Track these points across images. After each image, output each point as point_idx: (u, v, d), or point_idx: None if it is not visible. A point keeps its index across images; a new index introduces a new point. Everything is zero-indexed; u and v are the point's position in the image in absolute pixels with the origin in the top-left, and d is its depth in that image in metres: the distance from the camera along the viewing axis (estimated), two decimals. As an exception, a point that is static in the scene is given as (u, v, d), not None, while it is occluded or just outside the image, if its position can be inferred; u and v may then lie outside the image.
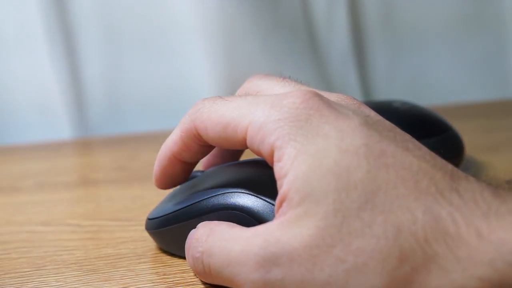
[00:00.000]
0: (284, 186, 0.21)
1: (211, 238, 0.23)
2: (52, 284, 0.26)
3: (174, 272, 0.26)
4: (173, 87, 0.59)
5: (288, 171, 0.21)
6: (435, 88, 0.63)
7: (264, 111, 0.22)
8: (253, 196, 0.25)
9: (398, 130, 0.22)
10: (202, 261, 0.23)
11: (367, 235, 0.19)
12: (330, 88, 0.59)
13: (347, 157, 0.20)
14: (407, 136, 0.22)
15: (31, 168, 0.47)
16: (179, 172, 0.27)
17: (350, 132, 0.21)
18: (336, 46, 0.60)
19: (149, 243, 0.29)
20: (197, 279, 0.25)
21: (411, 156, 0.21)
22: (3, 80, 0.57)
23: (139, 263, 0.27)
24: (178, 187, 0.30)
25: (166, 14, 0.57)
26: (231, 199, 0.25)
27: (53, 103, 0.57)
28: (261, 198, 0.24)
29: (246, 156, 0.38)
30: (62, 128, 0.58)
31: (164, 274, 0.26)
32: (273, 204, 0.24)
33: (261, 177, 0.25)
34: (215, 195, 0.26)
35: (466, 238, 0.19)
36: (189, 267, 0.26)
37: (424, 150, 0.21)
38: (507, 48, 0.62)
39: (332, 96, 0.24)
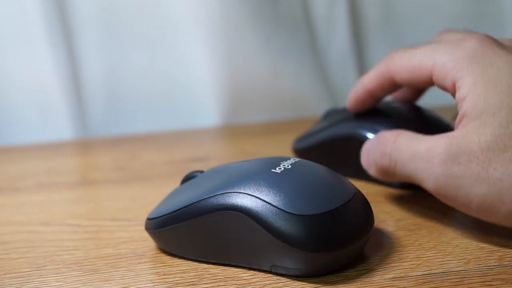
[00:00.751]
0: (464, 106, 0.26)
1: (399, 139, 0.28)
2: (52, 284, 0.26)
3: (174, 272, 0.26)
4: (173, 87, 0.59)
5: (467, 94, 0.26)
6: (435, 88, 0.63)
7: (446, 52, 0.27)
8: (252, 197, 0.25)
9: None
10: (389, 155, 0.28)
11: None
12: (330, 88, 0.59)
13: None
14: None
15: (31, 168, 0.47)
16: (368, 103, 0.34)
17: None
18: (336, 46, 0.59)
19: (149, 243, 0.29)
20: (197, 279, 0.25)
21: None
22: (3, 80, 0.57)
23: (139, 263, 0.27)
24: (178, 187, 0.30)
25: (167, 14, 0.57)
26: (231, 199, 0.25)
27: (53, 103, 0.57)
28: (261, 199, 0.24)
29: (248, 156, 0.38)
30: (62, 128, 0.58)
31: (164, 274, 0.26)
32: (272, 205, 0.24)
33: (261, 177, 0.25)
34: (215, 195, 0.26)
35: None
36: (189, 267, 0.26)
37: None
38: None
39: (506, 41, 0.28)
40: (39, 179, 0.43)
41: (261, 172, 0.26)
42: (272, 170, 0.26)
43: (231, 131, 0.57)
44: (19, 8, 0.55)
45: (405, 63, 0.29)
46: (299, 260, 0.24)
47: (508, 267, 0.24)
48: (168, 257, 0.28)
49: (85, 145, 0.56)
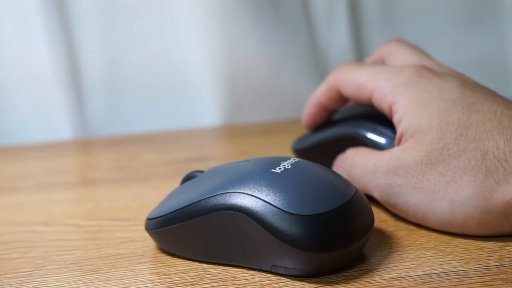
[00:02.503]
0: (401, 127, 0.29)
1: (356, 156, 0.31)
2: (52, 284, 0.26)
3: (174, 272, 0.26)
4: (173, 87, 0.59)
5: (403, 117, 0.29)
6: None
7: (386, 78, 0.30)
8: (252, 197, 0.25)
9: (489, 90, 0.29)
10: (348, 171, 0.31)
11: (462, 157, 0.26)
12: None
13: (446, 104, 0.28)
14: (497, 94, 0.29)
15: (31, 168, 0.47)
16: (321, 116, 0.36)
17: (449, 90, 0.28)
18: (336, 46, 0.59)
19: (149, 243, 0.29)
20: (197, 279, 0.25)
21: (496, 105, 0.28)
22: (3, 80, 0.57)
23: (139, 263, 0.27)
24: (178, 187, 0.30)
25: (167, 13, 0.57)
26: (231, 199, 0.25)
27: (53, 103, 0.57)
28: (261, 199, 0.24)
29: (248, 156, 0.38)
30: (62, 128, 0.58)
31: (164, 274, 0.26)
32: (272, 205, 0.24)
33: (261, 177, 0.25)
34: (215, 195, 0.26)
35: None
36: (189, 267, 0.26)
37: (508, 102, 0.28)
38: (508, 47, 0.62)
39: (442, 69, 0.32)
40: (39, 179, 0.43)
41: (261, 172, 0.26)
42: (272, 170, 0.26)
43: (231, 131, 0.57)
44: (19, 9, 0.55)
45: (351, 79, 0.32)
46: (299, 260, 0.24)
47: (508, 267, 0.24)
48: (168, 257, 0.28)
49: (85, 145, 0.56)
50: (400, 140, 0.29)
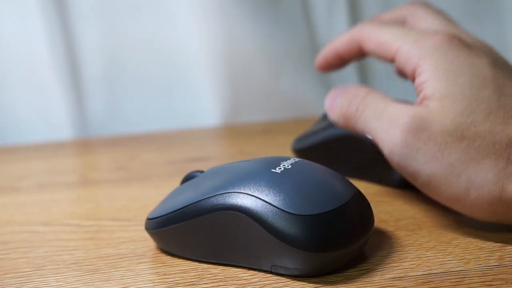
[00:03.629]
0: (425, 89, 0.27)
1: (370, 95, 0.29)
2: (52, 284, 0.26)
3: (174, 272, 0.26)
4: (173, 87, 0.59)
5: (429, 78, 0.27)
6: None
7: (413, 40, 0.28)
8: (252, 197, 0.25)
9: None
10: (358, 105, 0.29)
11: (487, 139, 0.25)
12: (330, 88, 0.59)
13: (478, 79, 0.26)
14: None
15: (31, 168, 0.47)
16: (336, 64, 0.35)
17: (480, 66, 0.27)
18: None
19: (149, 243, 0.29)
20: (197, 279, 0.25)
21: None
22: (3, 80, 0.57)
23: (139, 263, 0.27)
24: (178, 187, 0.30)
25: (167, 13, 0.57)
26: (231, 199, 0.25)
27: (53, 103, 0.57)
28: (261, 199, 0.24)
29: (248, 156, 0.38)
30: (62, 128, 0.58)
31: (164, 274, 0.26)
32: (272, 205, 0.24)
33: (261, 177, 0.25)
34: (215, 195, 0.26)
35: None
36: (189, 267, 0.26)
37: None
38: (507, 45, 0.62)
39: (470, 38, 0.29)
40: (39, 179, 0.43)
41: (261, 172, 0.26)
42: (272, 170, 0.26)
43: (231, 131, 0.57)
44: (18, 10, 0.55)
45: (374, 36, 0.31)
46: (299, 260, 0.24)
47: (508, 267, 0.24)
48: (168, 257, 0.28)
49: (85, 145, 0.56)
50: (422, 100, 0.27)
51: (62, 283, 0.26)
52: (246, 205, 0.25)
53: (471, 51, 0.28)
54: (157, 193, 0.32)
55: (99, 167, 0.48)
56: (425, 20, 0.32)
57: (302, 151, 0.39)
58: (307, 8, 0.59)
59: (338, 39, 0.34)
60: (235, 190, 0.25)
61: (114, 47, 0.58)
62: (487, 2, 0.61)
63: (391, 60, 0.30)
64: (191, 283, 0.25)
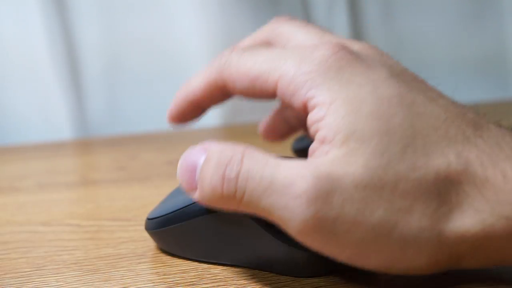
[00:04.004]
0: (322, 129, 0.21)
1: (248, 160, 0.21)
2: (52, 284, 0.26)
3: (174, 272, 0.26)
4: (173, 87, 0.59)
5: (325, 115, 0.21)
6: (436, 87, 0.63)
7: (294, 64, 0.22)
8: (253, 196, 0.25)
9: (419, 79, 0.24)
10: (236, 184, 0.21)
11: (411, 178, 0.20)
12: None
13: (384, 104, 0.21)
14: (429, 85, 0.23)
15: (31, 168, 0.47)
16: (192, 115, 0.28)
17: (381, 83, 0.22)
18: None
19: (149, 243, 0.29)
20: (197, 279, 0.25)
21: (437, 106, 0.22)
22: (3, 80, 0.57)
23: (139, 263, 0.27)
24: (178, 187, 0.30)
25: (167, 14, 0.57)
26: (231, 199, 0.25)
27: (53, 103, 0.57)
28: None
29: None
30: (62, 128, 0.58)
31: (164, 274, 0.26)
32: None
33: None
34: (215, 195, 0.25)
35: (493, 179, 0.20)
36: (189, 267, 0.26)
37: (446, 99, 0.23)
38: (507, 44, 0.62)
39: (355, 46, 0.24)
40: (39, 179, 0.43)
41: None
42: (272, 170, 0.26)
43: (231, 131, 0.57)
44: (18, 10, 0.55)
45: (243, 71, 0.24)
46: (299, 260, 0.24)
47: (508, 267, 0.24)
48: (168, 257, 0.28)
49: (85, 145, 0.56)
50: (320, 144, 0.21)
51: (62, 283, 0.26)
52: (246, 205, 0.24)
53: (363, 63, 0.22)
54: (157, 193, 0.32)
55: (99, 167, 0.48)
56: (295, 37, 0.26)
57: (302, 151, 0.39)
58: (307, 8, 0.59)
59: (194, 81, 0.27)
60: (235, 190, 0.25)
61: (114, 47, 0.58)
62: (487, 2, 0.61)
63: (272, 96, 0.24)
64: (191, 283, 0.25)
